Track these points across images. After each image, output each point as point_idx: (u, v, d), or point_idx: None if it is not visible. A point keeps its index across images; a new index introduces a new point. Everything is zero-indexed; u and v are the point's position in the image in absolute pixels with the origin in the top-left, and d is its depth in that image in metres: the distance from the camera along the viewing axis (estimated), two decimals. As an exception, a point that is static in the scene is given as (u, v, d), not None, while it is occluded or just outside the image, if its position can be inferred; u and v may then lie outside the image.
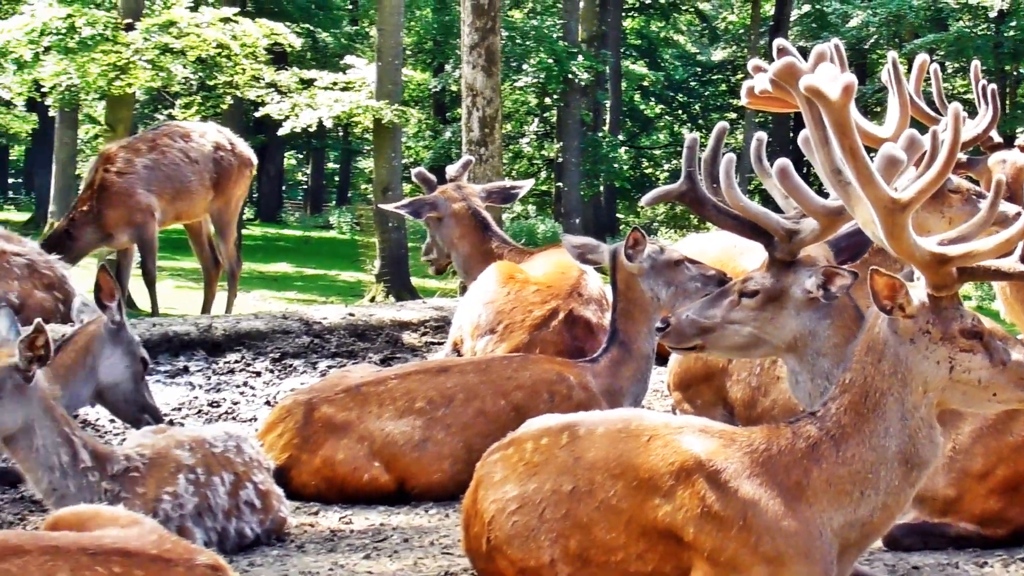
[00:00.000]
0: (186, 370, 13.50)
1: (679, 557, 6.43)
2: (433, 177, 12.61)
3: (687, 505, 6.37)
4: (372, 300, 25.06)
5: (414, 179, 13.19)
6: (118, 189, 15.14)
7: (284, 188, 55.84)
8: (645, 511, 6.48)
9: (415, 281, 26.37)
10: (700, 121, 55.16)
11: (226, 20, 27.98)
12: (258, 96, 29.53)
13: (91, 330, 9.70)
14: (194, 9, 28.72)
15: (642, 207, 54.18)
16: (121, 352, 9.80)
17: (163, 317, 15.62)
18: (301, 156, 59.90)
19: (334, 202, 58.01)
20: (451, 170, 12.93)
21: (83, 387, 9.68)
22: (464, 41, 21.67)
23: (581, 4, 42.82)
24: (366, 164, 51.16)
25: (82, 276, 14.93)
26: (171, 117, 37.43)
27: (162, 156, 15.82)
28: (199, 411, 12.18)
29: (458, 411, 9.46)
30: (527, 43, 41.82)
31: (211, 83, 30.10)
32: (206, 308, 16.80)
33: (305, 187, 61.77)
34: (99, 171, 15.78)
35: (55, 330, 8.73)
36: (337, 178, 60.24)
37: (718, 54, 59.28)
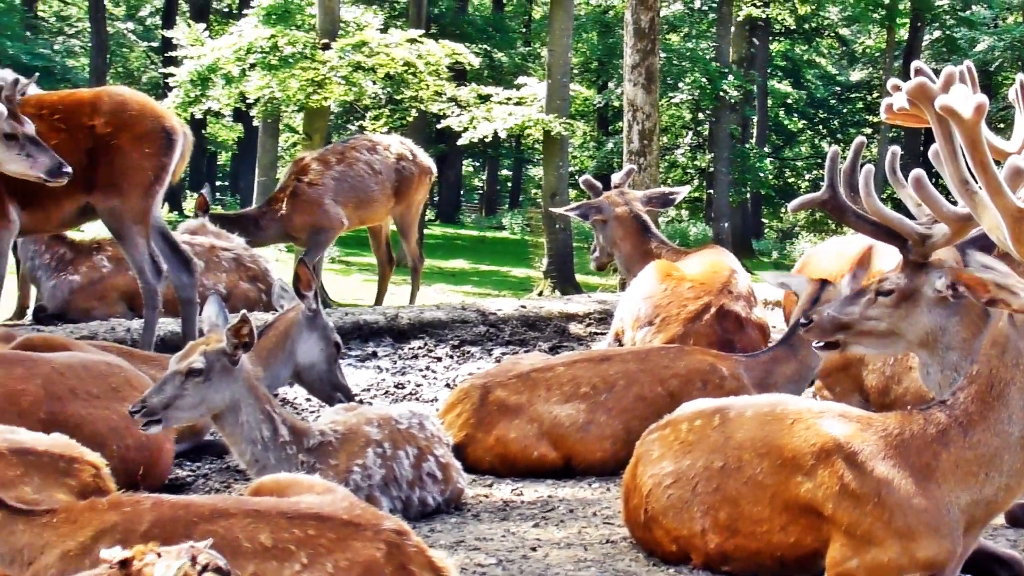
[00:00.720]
0: (374, 355, 13.55)
1: (818, 530, 6.51)
2: (599, 184, 12.66)
3: (827, 483, 6.47)
4: (540, 294, 25.08)
5: (582, 185, 13.22)
6: (308, 198, 15.36)
7: (462, 192, 56.14)
8: (788, 487, 6.57)
9: (579, 277, 26.39)
10: (839, 136, 55.01)
11: (412, 41, 28.21)
12: (440, 110, 29.53)
13: (290, 317, 9.84)
14: (384, 31, 29.08)
15: (785, 212, 54.32)
16: (317, 337, 9.91)
17: (354, 307, 15.69)
18: (478, 164, 60.13)
19: (507, 205, 58.17)
20: (615, 178, 12.99)
21: (282, 368, 9.81)
22: (626, 61, 21.55)
23: (732, 29, 42.76)
24: (536, 171, 51.32)
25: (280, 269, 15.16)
26: (361, 128, 37.79)
27: (349, 168, 15.98)
28: (386, 392, 12.22)
29: (619, 396, 9.51)
30: (683, 64, 41.87)
31: (398, 97, 30.29)
32: (379, 300, 16.87)
33: (481, 192, 62.02)
34: (292, 178, 16.01)
35: (257, 317, 8.86)
36: (510, 184, 60.38)
37: (856, 75, 59.10)
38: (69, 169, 10.20)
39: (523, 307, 15.15)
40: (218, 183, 52.91)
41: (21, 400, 8.92)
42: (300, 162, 15.81)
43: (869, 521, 6.33)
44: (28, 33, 43.97)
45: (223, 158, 53.81)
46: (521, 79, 32.93)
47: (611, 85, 46.61)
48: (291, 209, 14.94)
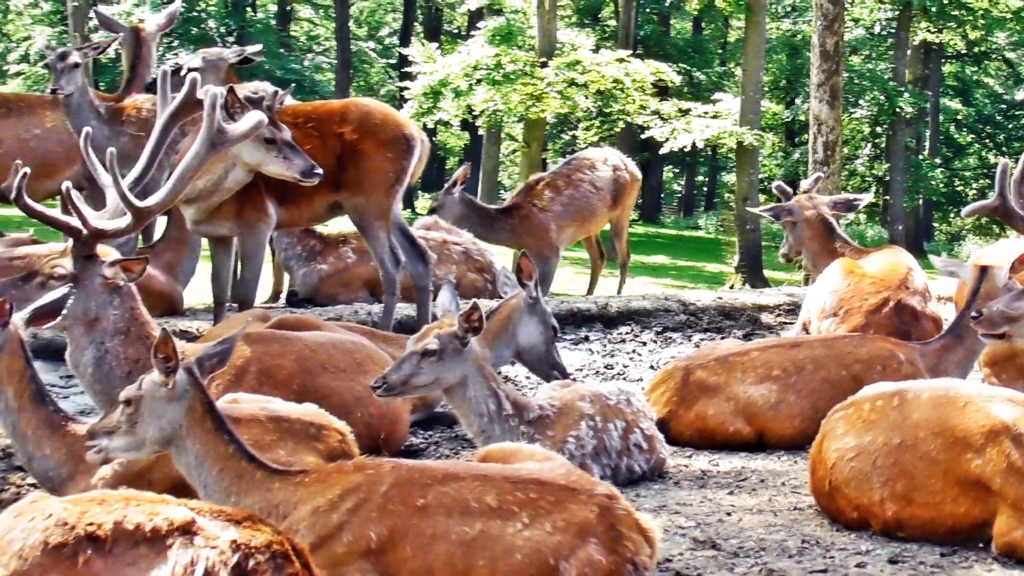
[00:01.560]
0: (587, 339, 13.51)
1: (986, 503, 6.56)
2: (790, 189, 12.64)
3: (995, 460, 6.52)
4: (731, 287, 25.00)
5: (774, 191, 13.20)
6: (537, 223, 15.39)
7: (662, 195, 56.27)
8: (960, 463, 6.61)
9: (766, 272, 26.32)
10: (1004, 149, 54.42)
11: (621, 60, 28.40)
12: (644, 122, 29.62)
13: (513, 303, 9.89)
14: (596, 51, 29.33)
15: (954, 217, 53.76)
16: (536, 321, 9.93)
17: (568, 296, 15.79)
18: (677, 170, 60.17)
19: (702, 207, 58.19)
20: (804, 184, 12.96)
21: (505, 349, 9.87)
22: (813, 80, 21.52)
23: (908, 52, 42.37)
24: (729, 177, 51.23)
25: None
26: (574, 138, 38.10)
27: (576, 191, 15.88)
28: (596, 372, 12.20)
29: (807, 378, 9.56)
30: (863, 83, 41.57)
31: (607, 111, 30.44)
32: (590, 291, 16.85)
33: (679, 195, 62.07)
34: (527, 201, 16.01)
35: (483, 304, 8.95)
36: (705, 188, 60.46)
37: (1021, 94, 58.46)
38: (320, 171, 10.43)
39: (719, 298, 15.10)
40: (446, 185, 54.13)
41: (277, 374, 9.13)
42: (533, 187, 15.86)
43: None
44: (282, 50, 44.94)
45: (451, 163, 54.68)
46: (717, 95, 32.94)
47: (798, 101, 46.51)
48: (522, 230, 15.00)
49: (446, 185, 16.01)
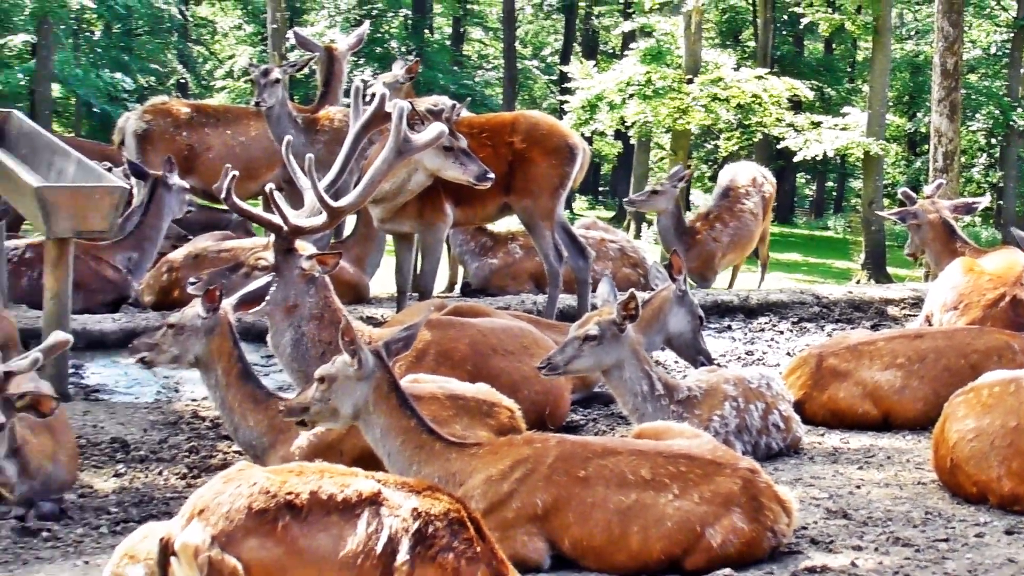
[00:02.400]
0: (729, 328, 13.50)
1: None
2: (914, 194, 12.53)
3: None
4: (857, 282, 24.85)
5: (900, 196, 13.14)
6: (707, 252, 15.37)
7: (795, 199, 55.90)
8: None
9: (890, 269, 26.09)
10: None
11: (759, 77, 28.30)
12: (780, 133, 29.42)
13: (664, 295, 9.85)
14: (736, 69, 29.30)
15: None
16: (684, 311, 9.85)
17: (713, 290, 15.70)
18: (808, 176, 59.73)
19: (832, 210, 57.71)
20: (927, 190, 13.02)
21: (657, 336, 9.82)
22: (934, 96, 21.34)
23: (1022, 70, 41.72)
24: (856, 184, 50.70)
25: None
26: (716, 147, 38.07)
27: (739, 222, 15.84)
28: (738, 358, 12.18)
29: (929, 366, 9.53)
30: (979, 98, 41.12)
31: (746, 123, 30.31)
32: (731, 284, 16.82)
33: (811, 199, 61.63)
34: (702, 228, 15.77)
35: (638, 296, 8.99)
36: (835, 193, 59.97)
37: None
38: (492, 175, 10.45)
39: (850, 292, 15.05)
40: (600, 189, 53.96)
41: (453, 356, 9.18)
42: (703, 217, 15.99)
43: None
44: (455, 68, 45.56)
45: (604, 168, 54.98)
46: (846, 109, 32.55)
47: (919, 115, 46.00)
48: (692, 252, 15.01)
49: (673, 176, 15.91)
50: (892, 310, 13.89)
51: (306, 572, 4.60)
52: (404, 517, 4.67)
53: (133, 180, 12.57)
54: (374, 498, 4.67)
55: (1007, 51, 43.01)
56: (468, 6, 51.97)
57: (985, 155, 50.73)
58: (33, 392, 7.06)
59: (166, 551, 4.55)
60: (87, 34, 43.84)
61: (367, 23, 19.02)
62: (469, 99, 14.09)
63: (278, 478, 4.71)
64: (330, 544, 4.59)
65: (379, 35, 44.45)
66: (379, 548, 4.60)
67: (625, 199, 17.74)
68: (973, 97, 41.04)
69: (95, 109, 38.42)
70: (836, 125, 29.58)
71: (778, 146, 32.61)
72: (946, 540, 6.47)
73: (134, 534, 5.15)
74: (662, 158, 39.66)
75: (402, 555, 4.58)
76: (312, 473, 4.76)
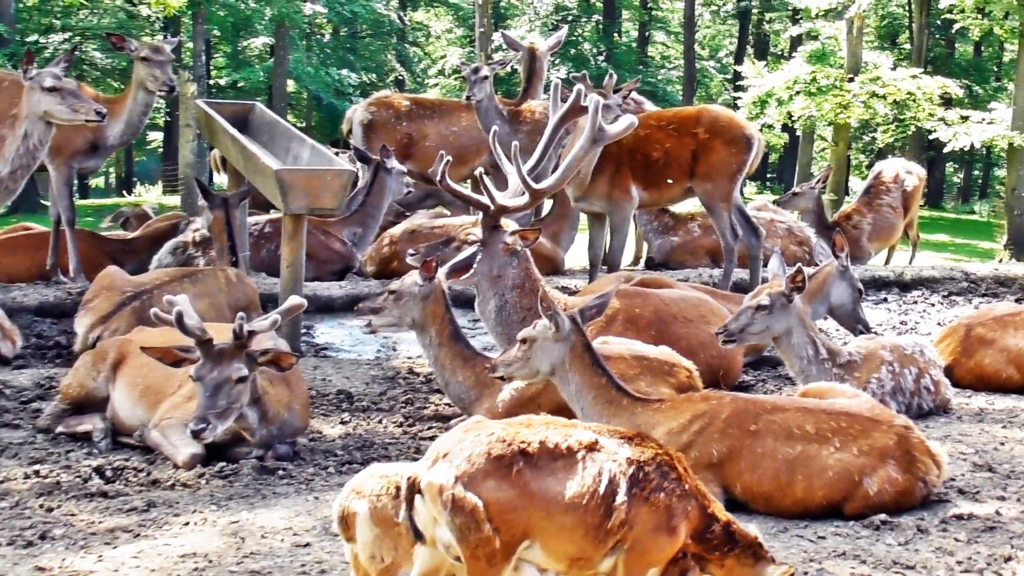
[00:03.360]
0: (885, 300, 13.40)
1: None
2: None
3: None
4: (1000, 262, 24.17)
5: None
6: (852, 238, 14.99)
7: (944, 185, 54.89)
8: None
9: (1030, 251, 25.44)
10: None
11: (914, 77, 27.81)
12: (931, 127, 28.75)
13: (827, 270, 9.77)
14: (893, 69, 28.88)
15: None
16: (846, 285, 9.75)
17: (869, 266, 15.68)
18: (957, 166, 58.41)
19: (977, 196, 56.60)
20: None
21: (820, 306, 9.74)
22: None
23: None
24: (1000, 172, 49.31)
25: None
26: (873, 139, 37.61)
27: (879, 214, 15.73)
28: (893, 327, 12.11)
29: None
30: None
31: (901, 117, 29.63)
32: (887, 262, 16.54)
33: (959, 185, 60.54)
34: (843, 221, 15.77)
35: (806, 270, 8.93)
36: (980, 180, 58.76)
37: None
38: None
39: (996, 269, 14.78)
40: (768, 176, 54.00)
41: (639, 321, 9.20)
42: (845, 211, 16.07)
43: None
44: (640, 67, 45.84)
45: (772, 158, 54.65)
46: (992, 105, 31.69)
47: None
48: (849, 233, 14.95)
49: (813, 180, 15.98)
50: (1035, 284, 13.93)
51: (536, 513, 4.57)
52: (620, 462, 4.65)
53: (358, 164, 12.60)
54: (593, 446, 4.64)
55: None
56: (652, 12, 52.06)
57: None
58: (274, 349, 7.19)
59: (413, 489, 4.61)
60: (318, 37, 45.02)
61: (564, 27, 19.21)
62: (639, 80, 14.41)
63: (512, 429, 4.71)
64: (558, 487, 4.58)
65: (574, 38, 44.84)
66: (601, 490, 4.56)
67: (771, 200, 17.70)
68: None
69: (323, 102, 39.51)
70: (983, 119, 28.77)
71: (930, 138, 32.04)
72: (1088, 492, 6.35)
73: (360, 473, 5.16)
74: (824, 148, 40.04)
75: (620, 496, 4.57)
76: (539, 425, 4.76)
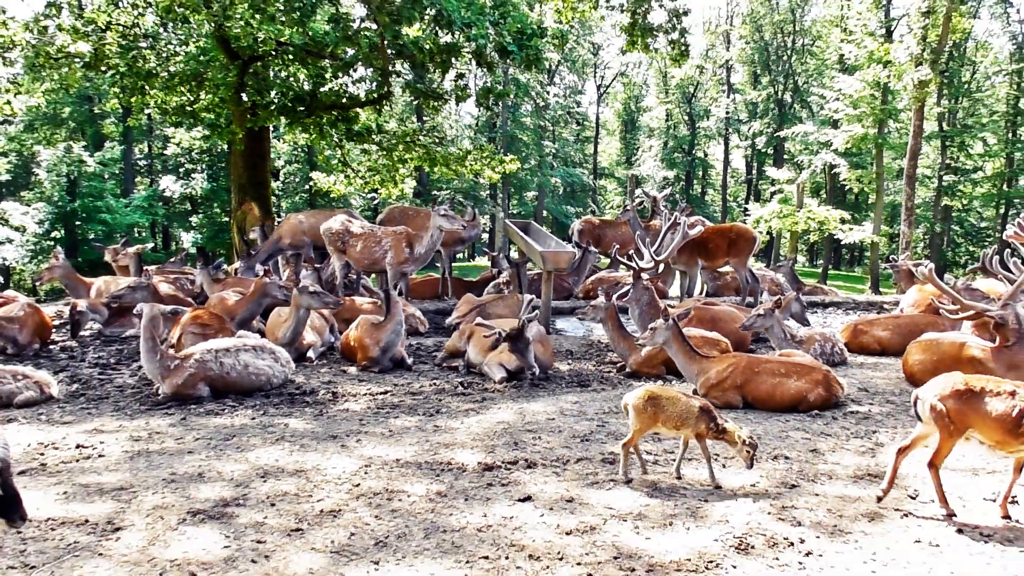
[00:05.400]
0: (815, 312, 14.63)
1: None
2: None
3: None
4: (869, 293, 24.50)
5: None
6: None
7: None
8: None
9: None
10: None
11: (827, 209, 30.32)
12: (837, 234, 31.55)
13: (789, 297, 10.68)
14: (818, 206, 31.60)
15: None
16: (798, 305, 11.07)
17: (812, 296, 16.26)
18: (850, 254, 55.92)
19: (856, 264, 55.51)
20: None
21: (786, 314, 10.89)
22: None
23: None
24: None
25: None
26: (809, 238, 39.26)
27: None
28: (821, 324, 13.11)
29: None
30: None
31: (821, 229, 32.51)
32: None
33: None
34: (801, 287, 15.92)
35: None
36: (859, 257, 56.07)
37: None
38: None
39: (867, 298, 15.12)
40: (758, 255, 51.03)
41: (703, 320, 10.60)
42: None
43: None
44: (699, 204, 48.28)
45: (761, 247, 51.64)
46: (865, 223, 33.73)
47: None
48: None
49: (786, 261, 16.46)
50: None
51: (983, 421, 5.00)
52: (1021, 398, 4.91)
53: (577, 249, 14.63)
54: (1013, 393, 5.01)
55: None
56: (707, 168, 57.10)
57: None
58: (539, 331, 8.72)
59: (914, 403, 5.20)
60: (553, 192, 56.54)
61: (669, 188, 20.19)
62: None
63: (973, 379, 5.15)
64: (991, 409, 4.97)
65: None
66: (1013, 414, 5.02)
67: (764, 266, 17.50)
68: None
69: (559, 221, 52.68)
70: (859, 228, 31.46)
71: (835, 237, 34.23)
72: None
73: (634, 391, 5.93)
74: (785, 242, 40.19)
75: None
76: (987, 381, 5.15)
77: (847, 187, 41.04)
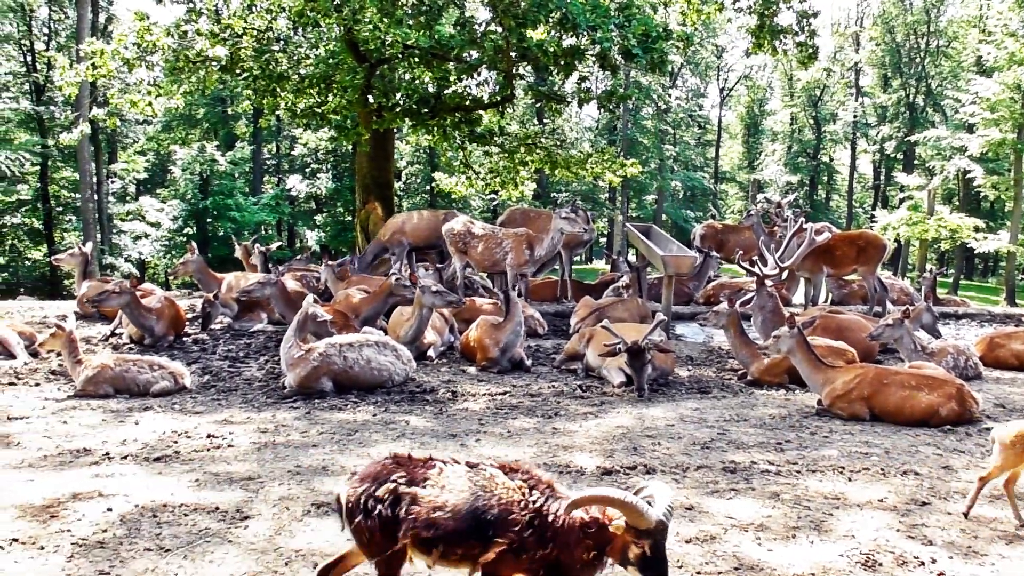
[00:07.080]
0: (947, 323, 14.11)
1: None
2: None
3: None
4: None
5: None
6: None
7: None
8: None
9: None
10: None
11: (960, 217, 29.50)
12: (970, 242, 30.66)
13: (920, 307, 10.88)
14: (950, 213, 30.84)
15: None
16: (928, 315, 11.07)
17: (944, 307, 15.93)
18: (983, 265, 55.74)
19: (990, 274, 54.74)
20: None
21: (916, 325, 10.87)
22: None
23: None
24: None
25: None
26: (939, 247, 38.41)
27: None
28: (953, 336, 12.78)
29: None
30: None
31: (954, 237, 31.84)
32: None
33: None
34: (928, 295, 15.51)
35: None
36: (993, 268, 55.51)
37: None
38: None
39: (1003, 310, 15.00)
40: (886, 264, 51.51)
41: (829, 329, 10.58)
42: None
43: None
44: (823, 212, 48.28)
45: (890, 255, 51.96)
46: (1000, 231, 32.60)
47: None
48: None
49: (928, 272, 16.04)
50: None
51: None
52: None
53: (698, 254, 14.75)
54: None
55: None
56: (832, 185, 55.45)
57: None
58: (662, 340, 8.78)
59: None
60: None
61: (793, 195, 20.34)
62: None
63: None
64: None
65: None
66: None
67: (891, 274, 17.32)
68: None
69: (681, 227, 49.28)
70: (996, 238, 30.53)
71: (968, 246, 33.37)
72: None
73: None
74: (914, 251, 40.12)
75: None
76: None
77: (981, 194, 40.42)
